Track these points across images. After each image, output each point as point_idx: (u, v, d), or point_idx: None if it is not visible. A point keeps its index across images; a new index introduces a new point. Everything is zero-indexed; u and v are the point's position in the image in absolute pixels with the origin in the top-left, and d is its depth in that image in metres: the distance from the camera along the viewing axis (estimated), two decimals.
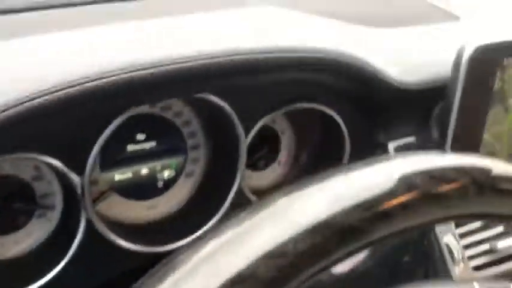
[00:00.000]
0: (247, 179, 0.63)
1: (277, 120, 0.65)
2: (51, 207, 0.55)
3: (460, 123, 0.58)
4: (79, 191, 0.50)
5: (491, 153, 0.63)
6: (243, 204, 0.56)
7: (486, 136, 0.61)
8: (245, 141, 0.58)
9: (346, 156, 0.63)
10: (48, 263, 0.51)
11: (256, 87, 0.56)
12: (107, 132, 0.51)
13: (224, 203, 0.58)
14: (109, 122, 0.50)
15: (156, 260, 0.21)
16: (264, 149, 0.65)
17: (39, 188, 0.55)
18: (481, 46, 0.56)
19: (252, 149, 0.61)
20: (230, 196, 0.58)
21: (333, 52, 0.55)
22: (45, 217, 0.56)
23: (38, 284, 0.49)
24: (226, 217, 0.56)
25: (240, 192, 0.59)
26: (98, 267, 0.54)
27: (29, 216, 0.55)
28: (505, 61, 0.59)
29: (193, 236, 0.57)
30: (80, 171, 0.50)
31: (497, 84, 0.60)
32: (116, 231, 0.54)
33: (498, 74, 0.59)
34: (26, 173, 0.54)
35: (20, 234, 0.55)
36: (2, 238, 0.54)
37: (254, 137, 0.59)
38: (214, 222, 0.58)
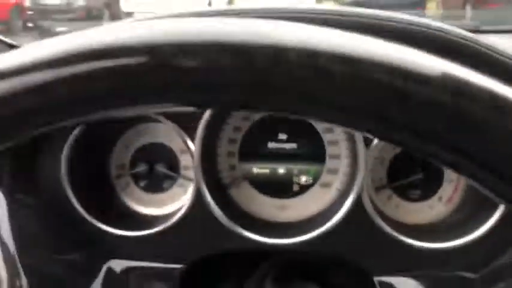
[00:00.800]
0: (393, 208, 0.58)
1: None
2: (188, 178, 0.61)
3: None
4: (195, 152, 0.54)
5: None
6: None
7: None
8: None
9: None
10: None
11: None
12: None
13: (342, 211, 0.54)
14: None
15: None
16: None
17: (184, 158, 0.61)
18: None
19: None
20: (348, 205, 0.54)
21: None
22: (184, 187, 0.61)
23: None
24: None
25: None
26: (200, 239, 0.57)
27: (171, 182, 0.62)
28: None
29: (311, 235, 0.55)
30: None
31: None
32: (229, 216, 0.56)
33: None
34: (176, 146, 0.61)
35: (164, 196, 0.62)
36: (148, 196, 0.62)
37: None
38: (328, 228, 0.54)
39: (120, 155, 0.62)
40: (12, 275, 0.46)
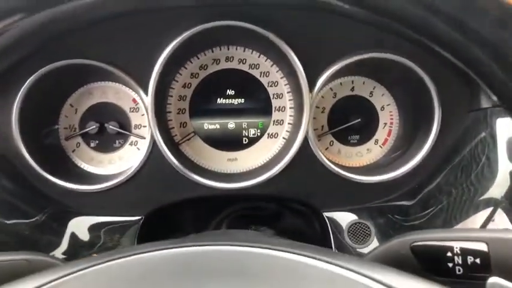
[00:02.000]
0: (334, 153, 0.63)
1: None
2: (141, 137, 0.62)
3: None
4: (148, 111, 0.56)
5: None
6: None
7: None
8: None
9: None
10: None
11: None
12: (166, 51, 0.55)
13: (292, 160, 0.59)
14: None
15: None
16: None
17: (134, 117, 0.62)
18: None
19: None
20: (293, 151, 0.58)
21: None
22: (135, 145, 0.63)
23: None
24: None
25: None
26: (157, 190, 0.60)
27: (122, 141, 0.63)
28: None
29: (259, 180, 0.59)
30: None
31: None
32: (184, 166, 0.58)
33: None
34: (126, 103, 0.62)
35: (115, 155, 0.63)
36: (104, 155, 0.63)
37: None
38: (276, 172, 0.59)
39: (68, 116, 0.62)
40: None
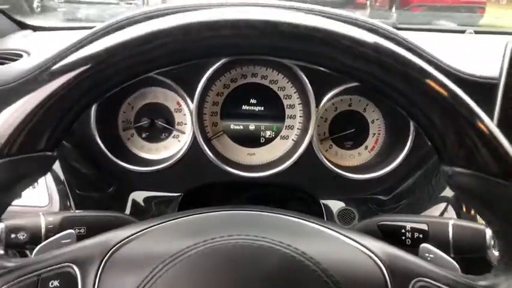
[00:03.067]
0: (332, 154, 0.80)
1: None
2: (182, 132, 0.80)
3: (505, 110, 0.62)
4: (191, 115, 0.74)
5: None
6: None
7: None
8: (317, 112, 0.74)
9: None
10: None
11: None
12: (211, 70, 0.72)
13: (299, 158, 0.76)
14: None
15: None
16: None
17: (178, 116, 0.79)
18: None
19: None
20: (299, 153, 0.76)
21: None
22: (178, 138, 0.80)
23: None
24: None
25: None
26: (194, 174, 0.77)
27: (168, 134, 0.80)
28: None
29: (273, 171, 0.76)
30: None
31: None
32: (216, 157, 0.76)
33: None
34: (172, 104, 0.79)
35: (161, 145, 0.81)
36: (153, 145, 0.80)
37: None
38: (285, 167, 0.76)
39: (126, 112, 0.79)
40: (63, 199, 0.64)
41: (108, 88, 0.39)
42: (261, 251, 0.39)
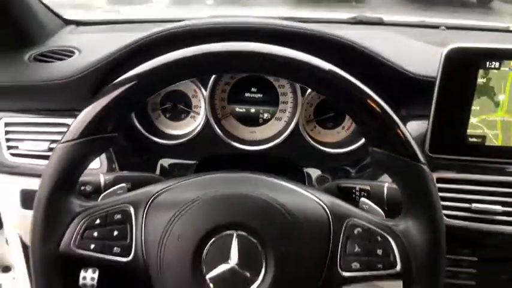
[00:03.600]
0: (316, 133, 1.01)
1: None
2: (198, 113, 1.01)
3: (440, 106, 0.80)
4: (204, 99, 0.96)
5: (481, 136, 0.82)
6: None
7: (474, 120, 0.81)
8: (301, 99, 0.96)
9: None
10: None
11: None
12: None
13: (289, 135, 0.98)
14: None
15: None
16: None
17: (194, 101, 1.01)
18: (455, 48, 0.78)
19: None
20: (288, 131, 0.97)
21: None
22: (194, 118, 1.02)
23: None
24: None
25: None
26: (206, 147, 0.99)
27: (186, 115, 1.02)
28: (488, 63, 0.78)
29: (268, 145, 0.98)
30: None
31: (482, 80, 0.79)
32: (224, 134, 0.97)
33: (481, 72, 0.78)
34: (190, 91, 1.00)
35: (181, 123, 1.02)
36: (175, 123, 1.02)
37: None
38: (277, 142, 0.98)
39: (154, 98, 1.01)
40: (110, 163, 0.87)
41: (152, 93, 0.61)
42: (248, 198, 0.61)
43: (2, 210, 1.10)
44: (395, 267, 0.59)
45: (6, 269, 1.47)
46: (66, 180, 0.59)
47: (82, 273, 1.31)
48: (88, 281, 1.34)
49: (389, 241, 0.60)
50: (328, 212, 0.61)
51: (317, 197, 0.63)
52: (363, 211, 0.64)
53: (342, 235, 0.60)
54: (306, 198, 0.63)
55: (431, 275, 0.58)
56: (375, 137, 0.60)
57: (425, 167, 0.59)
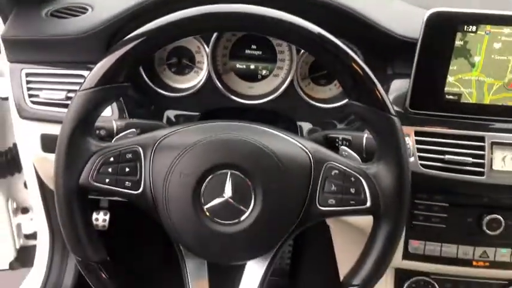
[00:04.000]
0: (310, 89, 1.10)
1: None
2: (201, 68, 1.09)
3: (420, 66, 0.88)
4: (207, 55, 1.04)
5: (457, 94, 0.91)
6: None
7: (451, 79, 0.89)
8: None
9: None
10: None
11: None
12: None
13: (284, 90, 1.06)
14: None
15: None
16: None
17: (198, 57, 1.09)
18: (436, 12, 0.84)
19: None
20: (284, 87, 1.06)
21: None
22: (197, 73, 1.10)
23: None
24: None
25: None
26: (209, 100, 1.08)
27: (190, 70, 1.10)
28: (466, 27, 0.85)
29: (265, 100, 1.07)
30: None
31: (460, 42, 0.87)
32: (225, 88, 1.06)
33: (459, 35, 0.86)
34: (193, 48, 1.08)
35: (185, 78, 1.11)
36: (179, 77, 1.11)
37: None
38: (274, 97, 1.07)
39: (159, 53, 1.09)
40: (121, 112, 0.96)
41: (159, 48, 0.69)
42: (242, 143, 0.70)
43: (22, 155, 1.21)
44: (366, 203, 0.69)
45: (25, 210, 1.59)
46: (85, 123, 0.69)
47: (94, 215, 1.44)
48: (100, 222, 1.46)
49: (362, 181, 0.69)
50: (310, 156, 0.71)
51: (302, 144, 0.72)
52: (341, 156, 0.73)
53: (321, 176, 0.70)
54: (292, 144, 0.72)
55: (396, 210, 0.69)
56: (355, 93, 0.69)
57: (395, 119, 0.68)
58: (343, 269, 1.26)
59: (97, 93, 0.68)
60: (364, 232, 0.75)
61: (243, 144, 0.70)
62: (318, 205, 0.70)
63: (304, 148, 0.72)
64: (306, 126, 1.07)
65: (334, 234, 1.25)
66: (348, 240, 1.08)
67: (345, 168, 0.70)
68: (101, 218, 1.42)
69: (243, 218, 0.69)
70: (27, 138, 1.04)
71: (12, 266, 1.60)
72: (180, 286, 0.77)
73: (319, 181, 0.70)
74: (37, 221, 1.44)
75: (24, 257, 1.63)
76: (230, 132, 0.72)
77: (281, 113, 1.09)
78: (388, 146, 0.69)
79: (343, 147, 0.78)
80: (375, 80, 0.67)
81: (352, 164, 0.71)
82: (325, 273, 1.26)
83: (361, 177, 0.70)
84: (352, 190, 0.69)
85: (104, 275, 0.73)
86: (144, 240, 1.68)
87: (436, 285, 1.03)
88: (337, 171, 0.70)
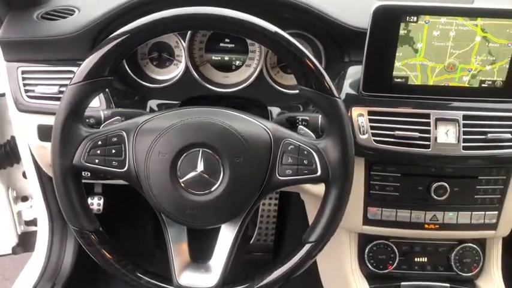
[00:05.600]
0: (279, 77, 1.21)
1: None
2: (179, 61, 1.21)
3: (370, 53, 1.00)
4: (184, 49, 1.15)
5: (404, 77, 1.02)
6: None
7: (398, 64, 1.01)
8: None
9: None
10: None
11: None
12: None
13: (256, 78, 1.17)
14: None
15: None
16: None
17: (176, 50, 1.20)
18: (381, 5, 0.96)
19: None
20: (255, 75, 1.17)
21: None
22: (177, 65, 1.22)
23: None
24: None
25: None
26: (187, 89, 1.19)
27: (170, 63, 1.22)
28: (408, 18, 0.96)
29: (239, 88, 1.18)
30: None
31: (403, 31, 0.98)
32: (201, 78, 1.18)
33: (403, 25, 0.97)
34: (172, 43, 1.20)
35: (166, 70, 1.22)
36: (161, 69, 1.22)
37: None
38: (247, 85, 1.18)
39: (142, 46, 1.20)
40: (108, 103, 1.08)
41: (140, 44, 0.81)
42: (211, 124, 0.82)
43: (20, 146, 1.32)
44: (317, 172, 0.82)
45: (25, 198, 1.69)
46: (76, 112, 0.81)
47: (89, 200, 1.57)
48: (95, 206, 1.58)
49: (313, 154, 0.82)
50: (270, 134, 0.83)
51: (263, 125, 0.84)
52: (298, 134, 0.85)
53: (279, 151, 0.82)
54: (255, 125, 0.84)
55: (342, 177, 0.81)
56: (304, 79, 0.81)
57: (339, 101, 0.80)
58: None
59: (85, 86, 0.79)
60: None
61: (212, 126, 0.82)
62: (277, 175, 0.82)
63: (265, 128, 0.84)
64: (275, 110, 1.19)
65: (307, 208, 1.38)
66: None
67: (299, 143, 0.82)
68: (95, 203, 1.54)
69: (213, 188, 0.81)
70: (25, 130, 1.15)
71: (14, 251, 1.71)
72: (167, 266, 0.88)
73: (278, 155, 0.82)
74: (36, 208, 1.54)
75: (25, 242, 1.73)
76: (201, 116, 0.83)
77: (253, 99, 1.21)
78: (334, 124, 0.81)
79: (300, 126, 0.91)
80: (322, 70, 0.79)
81: (305, 139, 0.84)
82: None
83: (312, 151, 0.82)
84: (305, 161, 0.82)
85: (96, 242, 0.85)
86: (136, 223, 1.80)
87: (394, 247, 1.16)
88: (292, 146, 0.82)
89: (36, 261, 1.57)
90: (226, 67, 1.22)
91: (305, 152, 0.82)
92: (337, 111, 0.80)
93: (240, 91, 1.19)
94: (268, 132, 0.83)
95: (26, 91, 1.10)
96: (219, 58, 1.21)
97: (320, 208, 0.84)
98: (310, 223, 1.35)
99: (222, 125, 0.82)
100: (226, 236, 0.87)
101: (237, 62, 1.21)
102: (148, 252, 1.82)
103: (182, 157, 0.81)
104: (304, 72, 0.79)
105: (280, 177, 0.82)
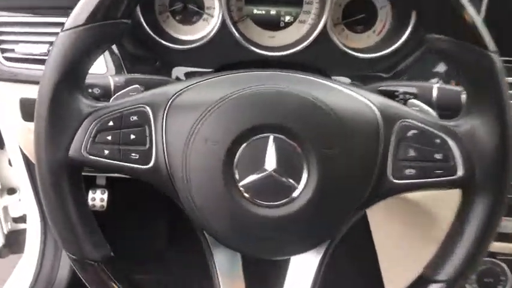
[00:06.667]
0: (344, 37, 0.91)
1: None
2: (211, 15, 0.90)
3: None
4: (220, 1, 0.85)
5: None
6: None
7: None
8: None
9: None
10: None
11: None
12: None
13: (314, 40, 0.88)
14: None
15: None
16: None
17: (207, 1, 0.90)
18: None
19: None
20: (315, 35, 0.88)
21: None
22: (207, 21, 0.91)
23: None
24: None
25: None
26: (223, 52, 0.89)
27: (198, 17, 0.91)
28: None
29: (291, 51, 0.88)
30: None
31: None
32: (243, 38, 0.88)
33: None
34: None
35: (193, 27, 0.92)
36: (186, 27, 0.92)
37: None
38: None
39: None
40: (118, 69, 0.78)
41: None
42: (286, 96, 0.52)
43: (2, 126, 1.03)
44: (457, 173, 0.52)
45: (11, 191, 1.44)
46: (72, 73, 0.51)
47: (90, 195, 1.24)
48: (97, 202, 1.28)
49: (449, 144, 0.52)
50: (378, 112, 0.53)
51: (364, 96, 0.54)
52: (415, 110, 0.56)
53: (393, 138, 0.53)
54: (352, 97, 0.55)
55: (497, 181, 0.51)
56: (435, 21, 0.50)
57: (495, 57, 0.50)
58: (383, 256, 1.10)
59: (87, 32, 0.50)
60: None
61: (287, 98, 0.52)
62: (391, 177, 0.53)
63: (368, 101, 0.54)
64: (343, 81, 0.89)
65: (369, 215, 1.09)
66: (388, 219, 0.92)
67: (425, 126, 0.53)
68: (98, 198, 1.26)
69: (292, 197, 0.51)
70: (4, 105, 0.87)
71: (0, 254, 1.45)
72: (187, 267, 0.60)
73: (392, 145, 0.53)
74: (25, 203, 1.29)
75: (13, 243, 1.49)
76: (268, 83, 0.54)
77: (310, 67, 0.91)
78: (485, 94, 0.51)
79: (412, 101, 0.61)
80: (466, 3, 0.49)
81: (433, 120, 0.54)
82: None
83: (448, 138, 0.52)
84: (438, 156, 0.52)
85: (106, 276, 0.56)
86: (147, 220, 1.53)
87: (505, 267, 0.87)
88: (415, 131, 0.53)
89: (26, 266, 1.36)
90: (272, 24, 0.93)
91: (436, 141, 0.52)
92: (493, 74, 0.50)
93: (292, 55, 0.89)
94: (374, 110, 0.53)
95: (3, 51, 0.83)
96: (264, 12, 0.91)
97: (455, 228, 0.54)
98: (374, 238, 1.07)
99: (304, 96, 0.52)
100: (303, 270, 0.58)
101: (287, 18, 0.91)
102: (160, 254, 1.57)
103: (242, 148, 0.51)
104: (439, 9, 0.49)
105: (395, 180, 0.53)
